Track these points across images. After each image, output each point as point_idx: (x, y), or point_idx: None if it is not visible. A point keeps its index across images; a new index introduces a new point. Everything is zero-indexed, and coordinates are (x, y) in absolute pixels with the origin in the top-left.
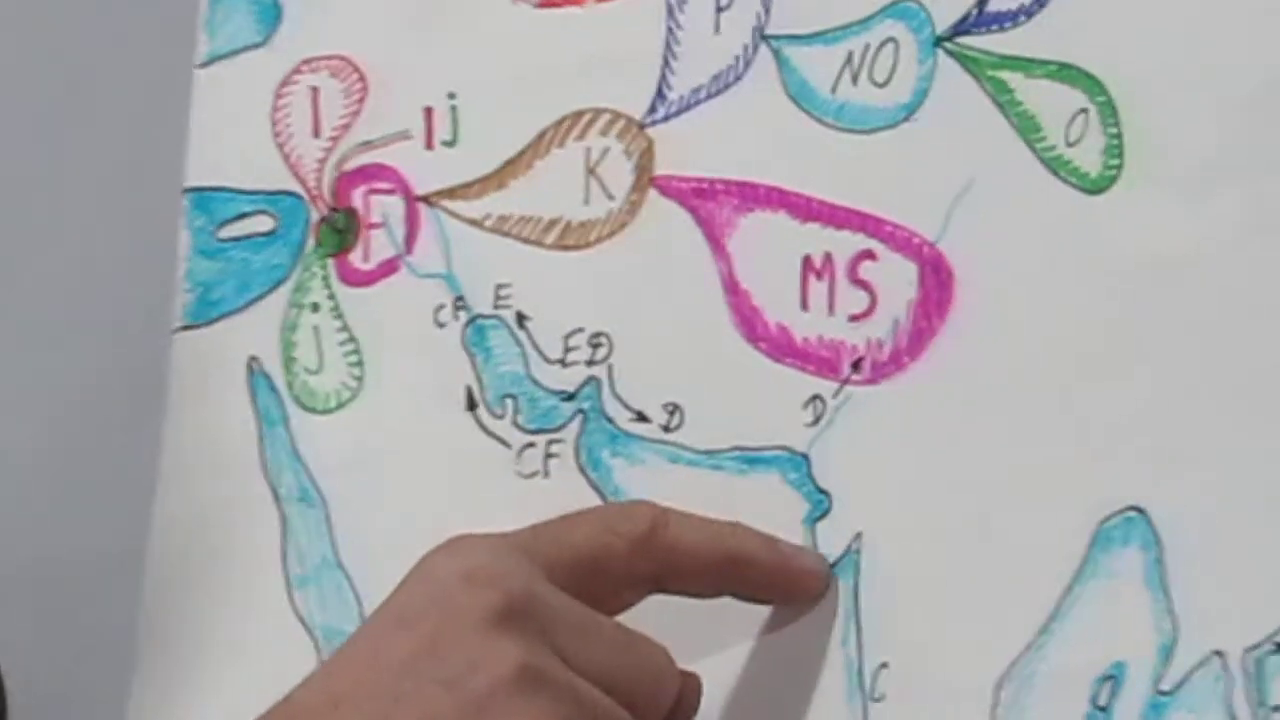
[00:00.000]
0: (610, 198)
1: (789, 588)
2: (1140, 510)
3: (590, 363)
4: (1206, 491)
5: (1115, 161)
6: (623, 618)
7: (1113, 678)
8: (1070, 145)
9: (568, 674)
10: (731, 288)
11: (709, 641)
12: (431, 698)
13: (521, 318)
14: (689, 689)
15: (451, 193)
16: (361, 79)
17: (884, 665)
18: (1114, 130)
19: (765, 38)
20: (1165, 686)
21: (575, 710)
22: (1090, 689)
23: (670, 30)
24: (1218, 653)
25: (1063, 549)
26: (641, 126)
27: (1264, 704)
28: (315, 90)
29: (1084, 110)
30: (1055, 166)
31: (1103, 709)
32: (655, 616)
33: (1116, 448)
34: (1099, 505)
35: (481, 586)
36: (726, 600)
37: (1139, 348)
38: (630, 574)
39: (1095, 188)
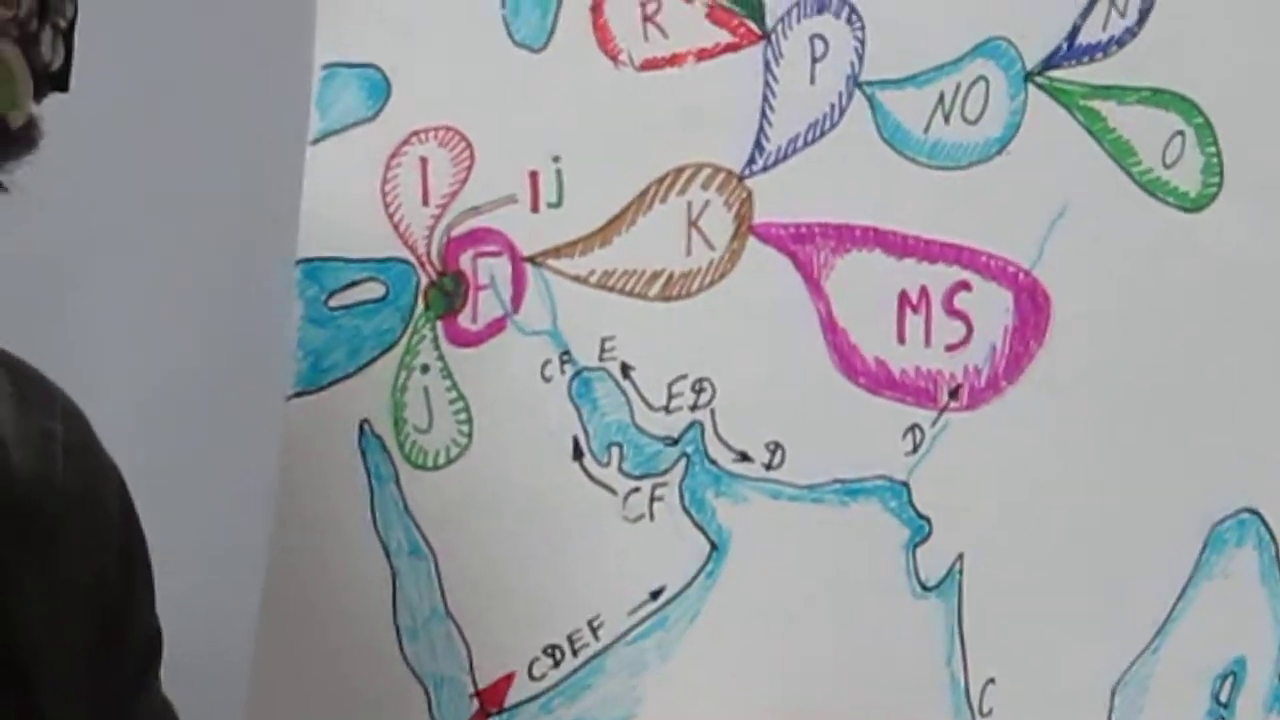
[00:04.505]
0: (711, 248)
1: None
2: (1253, 511)
3: (693, 408)
4: None
5: (1215, 179)
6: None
7: (1233, 674)
8: (1168, 167)
9: None
10: (830, 327)
11: (809, 664)
12: None
13: (626, 368)
14: None
15: (557, 252)
16: (468, 147)
17: (991, 681)
18: (1212, 149)
19: (859, 84)
20: None
21: None
22: (1210, 686)
23: (767, 84)
24: None
25: (1174, 554)
26: (741, 178)
27: None
28: (424, 160)
29: (1180, 132)
30: (1153, 188)
31: (1224, 705)
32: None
33: (1224, 454)
34: (1210, 510)
35: None
36: (824, 618)
37: (1243, 355)
38: None
39: (1195, 205)
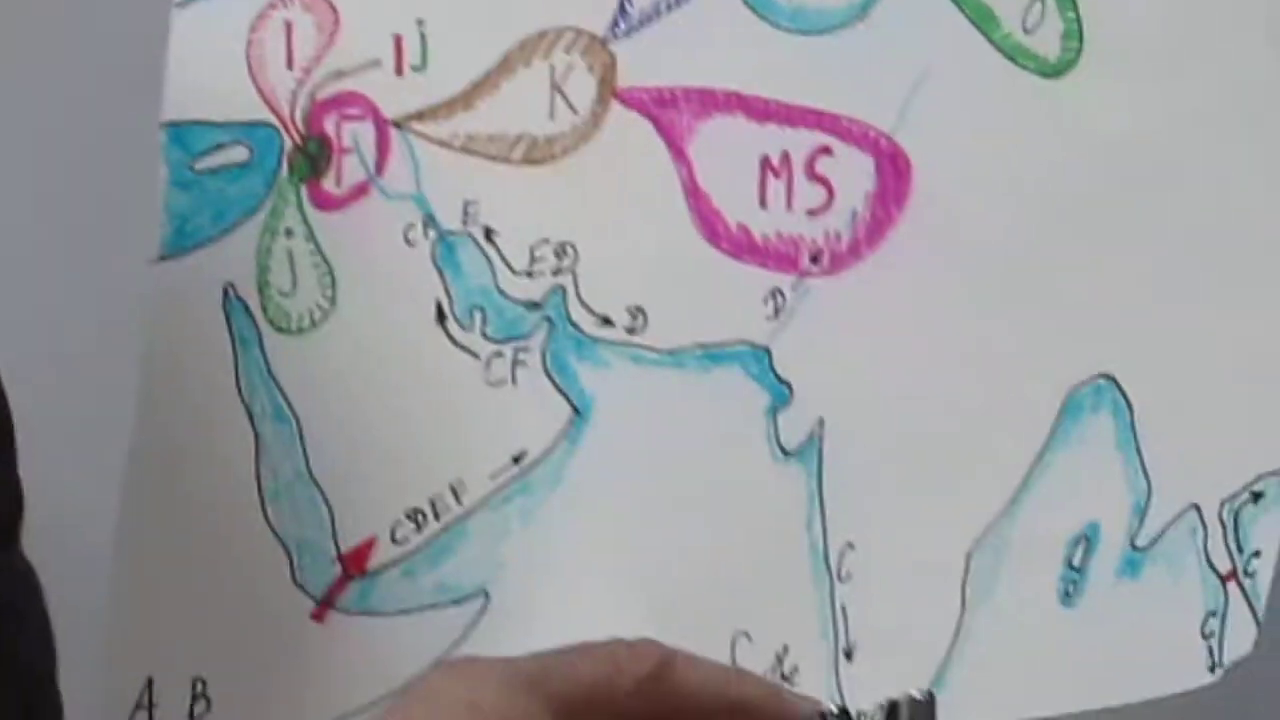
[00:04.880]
0: (574, 112)
1: None
2: (1109, 377)
3: (556, 272)
4: (1173, 354)
5: (1074, 45)
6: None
7: (1087, 538)
8: (1027, 32)
9: None
10: (692, 191)
11: (671, 529)
12: None
13: (489, 232)
14: None
15: (420, 116)
16: (333, 10)
17: (850, 545)
18: (1072, 14)
19: None
20: (1140, 543)
21: None
22: (1064, 550)
23: None
24: (1194, 506)
25: (1032, 420)
26: (604, 42)
27: (1243, 551)
28: (289, 24)
29: None
30: (1013, 54)
31: (1077, 569)
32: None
33: (1082, 320)
34: (1067, 375)
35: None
36: (685, 484)
37: (1101, 223)
38: (631, 712)
39: (1055, 72)
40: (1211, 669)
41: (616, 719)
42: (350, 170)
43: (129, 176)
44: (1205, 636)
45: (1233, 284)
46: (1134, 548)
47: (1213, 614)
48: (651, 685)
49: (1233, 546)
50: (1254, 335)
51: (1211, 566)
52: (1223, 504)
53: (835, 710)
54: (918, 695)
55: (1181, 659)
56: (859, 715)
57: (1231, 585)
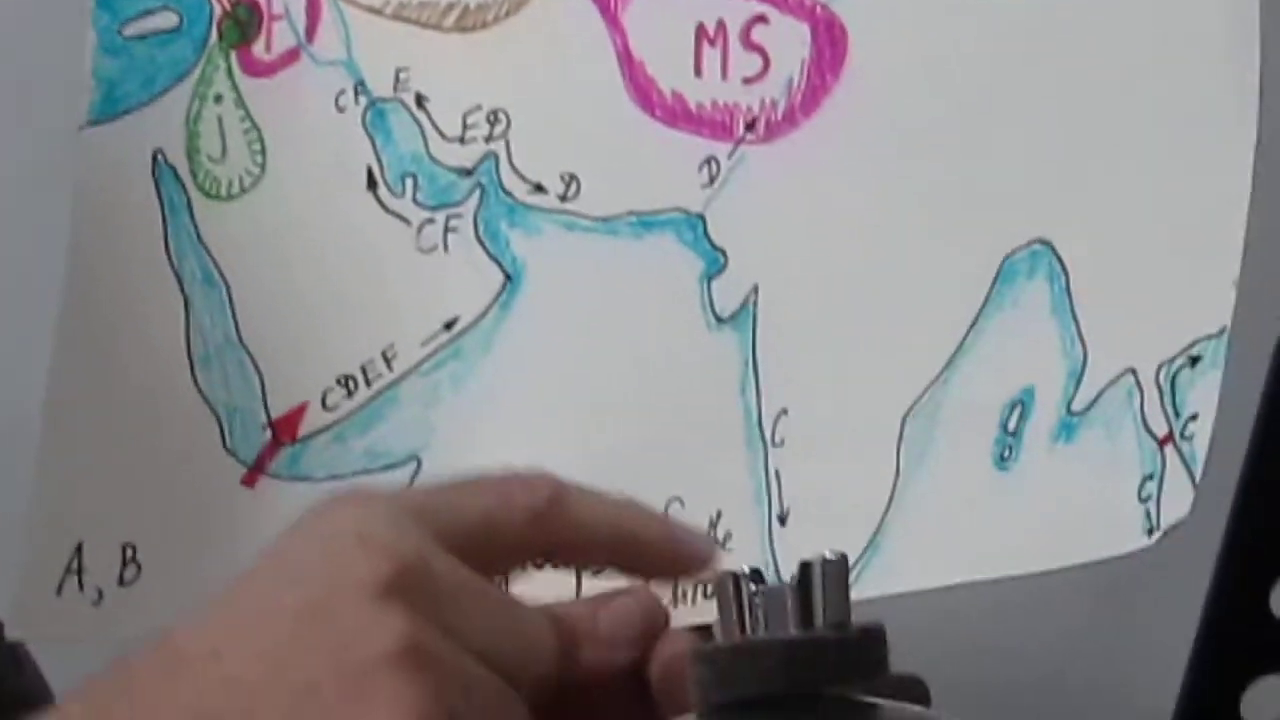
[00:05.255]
0: None
1: (678, 569)
2: (1045, 242)
3: (488, 139)
4: (1110, 219)
5: None
6: None
7: (1021, 403)
8: None
9: (453, 652)
10: (626, 58)
11: (603, 396)
12: (313, 664)
13: (420, 99)
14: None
15: None
16: None
17: (784, 411)
18: None
19: None
20: (1076, 407)
21: (455, 690)
22: (999, 415)
23: None
24: (1130, 370)
25: (967, 285)
26: None
27: (1180, 415)
28: None
29: None
30: None
31: (1012, 433)
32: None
33: (1018, 186)
34: (1003, 240)
35: (375, 551)
36: (618, 351)
37: (1038, 88)
38: (523, 545)
39: None
40: (1149, 533)
41: (509, 551)
42: (280, 36)
43: (57, 41)
44: (1142, 500)
45: (1170, 148)
46: (1070, 412)
47: (1149, 478)
48: (544, 518)
49: (1169, 410)
50: (1190, 199)
51: (1148, 430)
52: (1159, 368)
53: (747, 571)
54: (830, 555)
55: (1118, 523)
56: (792, 580)
57: (1169, 449)
